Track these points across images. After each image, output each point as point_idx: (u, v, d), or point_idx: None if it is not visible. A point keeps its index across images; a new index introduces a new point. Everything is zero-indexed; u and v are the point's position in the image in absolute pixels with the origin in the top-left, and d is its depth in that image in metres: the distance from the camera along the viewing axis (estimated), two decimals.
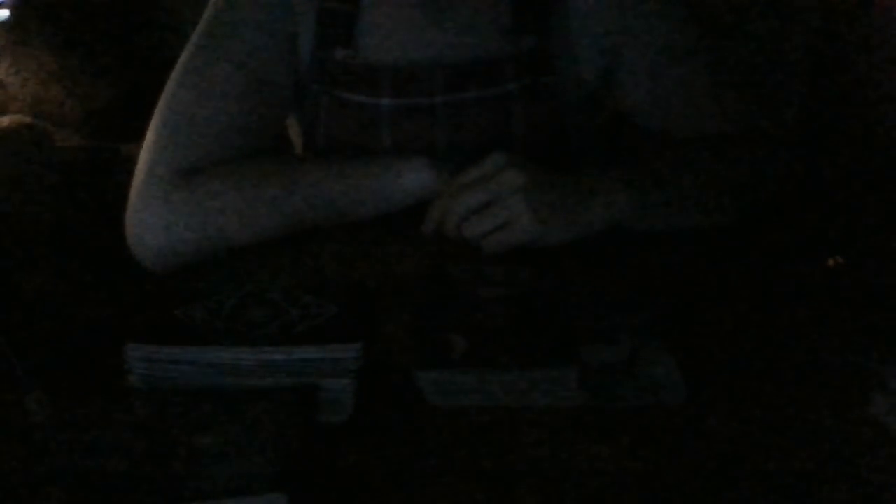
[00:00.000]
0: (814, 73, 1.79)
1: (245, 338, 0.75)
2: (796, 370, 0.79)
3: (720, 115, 1.11)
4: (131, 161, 1.01)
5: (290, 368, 0.74)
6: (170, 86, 1.02)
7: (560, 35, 1.09)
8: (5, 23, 1.86)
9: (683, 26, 1.11)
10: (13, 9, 1.86)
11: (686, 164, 1.04)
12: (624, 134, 1.17)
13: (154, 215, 0.97)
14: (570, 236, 0.94)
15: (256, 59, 1.03)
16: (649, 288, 0.91)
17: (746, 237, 1.02)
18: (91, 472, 0.64)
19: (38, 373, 0.75)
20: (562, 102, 1.09)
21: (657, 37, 1.09)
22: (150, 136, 1.01)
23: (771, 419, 0.73)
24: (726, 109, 1.12)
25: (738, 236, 1.02)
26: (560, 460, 0.69)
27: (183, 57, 1.04)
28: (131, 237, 0.98)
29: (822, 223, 1.08)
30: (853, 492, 0.66)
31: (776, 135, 1.13)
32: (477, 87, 1.06)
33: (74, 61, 1.86)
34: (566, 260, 0.94)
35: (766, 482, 0.67)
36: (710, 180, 1.04)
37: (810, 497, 0.66)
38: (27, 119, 1.73)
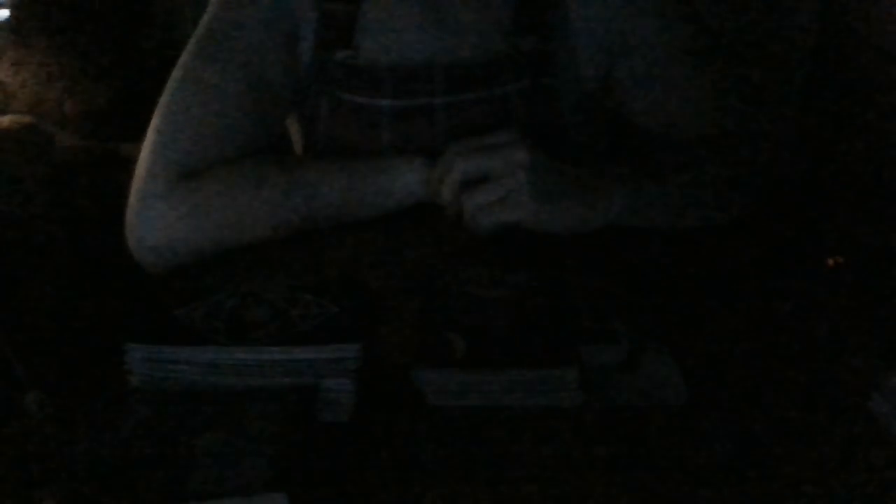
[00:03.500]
0: (814, 73, 1.79)
1: (245, 338, 0.75)
2: (796, 370, 0.79)
3: (719, 115, 1.11)
4: (131, 161, 1.01)
5: (290, 368, 0.74)
6: (170, 86, 1.02)
7: (560, 36, 1.09)
8: (5, 23, 1.86)
9: (683, 26, 1.11)
10: (13, 9, 1.86)
11: (685, 164, 1.04)
12: (624, 134, 1.17)
13: (154, 215, 0.97)
14: (566, 224, 0.94)
15: (257, 60, 1.03)
16: (649, 288, 0.91)
17: (746, 237, 1.02)
18: (91, 473, 0.64)
19: (38, 373, 0.75)
20: (562, 103, 1.09)
21: (656, 37, 1.09)
22: (150, 136, 1.01)
23: (771, 419, 0.73)
24: (725, 109, 1.12)
25: (737, 236, 1.02)
26: (560, 460, 0.69)
27: (183, 57, 1.04)
28: (131, 237, 0.98)
29: (822, 223, 1.08)
30: (853, 492, 0.66)
31: (775, 134, 1.14)
32: (477, 87, 1.06)
33: (74, 61, 1.86)
34: (566, 260, 0.94)
35: (766, 482, 0.67)
36: (709, 179, 1.04)
37: (811, 497, 0.66)
38: (27, 119, 1.73)
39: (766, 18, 1.80)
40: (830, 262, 0.97)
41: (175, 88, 1.02)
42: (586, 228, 0.95)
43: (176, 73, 1.03)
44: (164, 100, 1.02)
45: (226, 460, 0.65)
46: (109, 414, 0.70)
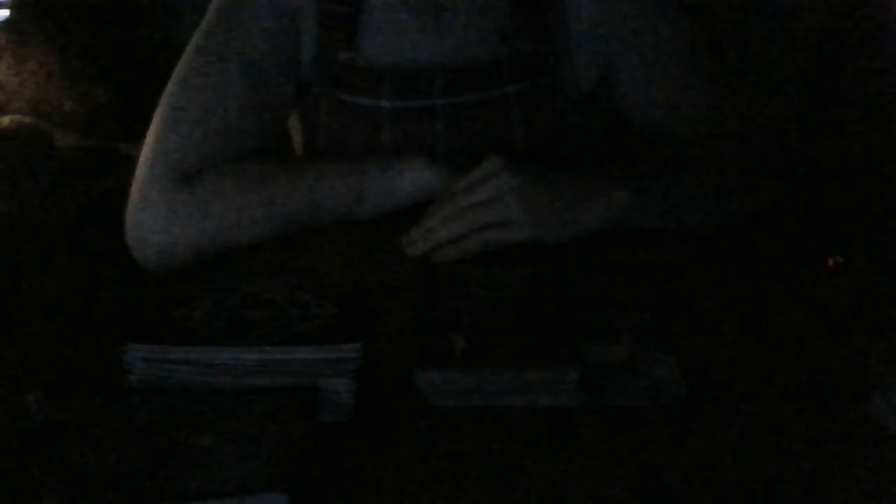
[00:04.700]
0: (814, 73, 1.79)
1: (245, 338, 0.75)
2: (796, 370, 0.79)
3: (719, 116, 1.11)
4: (131, 161, 1.01)
5: (290, 368, 0.74)
6: (170, 86, 1.02)
7: (558, 37, 1.09)
8: (5, 23, 1.86)
9: (681, 27, 1.11)
10: (13, 9, 1.86)
11: (685, 164, 1.04)
12: (624, 134, 1.17)
13: (154, 215, 0.97)
14: (567, 236, 0.94)
15: (258, 60, 1.03)
16: (649, 288, 0.91)
17: (746, 237, 1.02)
18: (91, 473, 0.64)
19: (38, 373, 0.75)
20: (561, 104, 1.09)
21: (655, 38, 1.09)
22: (150, 136, 1.01)
23: (771, 419, 0.73)
24: (725, 109, 1.12)
25: (738, 236, 1.02)
26: (560, 460, 0.69)
27: (184, 57, 1.04)
28: (131, 237, 0.98)
29: (822, 223, 1.08)
30: (853, 492, 0.66)
31: (775, 134, 1.14)
32: (476, 89, 1.06)
33: (74, 61, 1.86)
34: (566, 260, 0.94)
35: (766, 482, 0.67)
36: (709, 180, 1.04)
37: (811, 497, 0.66)
38: (27, 119, 1.73)
39: (766, 18, 1.80)
40: (830, 262, 0.97)
41: (175, 89, 1.02)
42: (589, 232, 0.95)
43: (176, 73, 1.03)
44: (164, 100, 1.02)
45: (226, 460, 0.65)
46: (109, 414, 0.70)
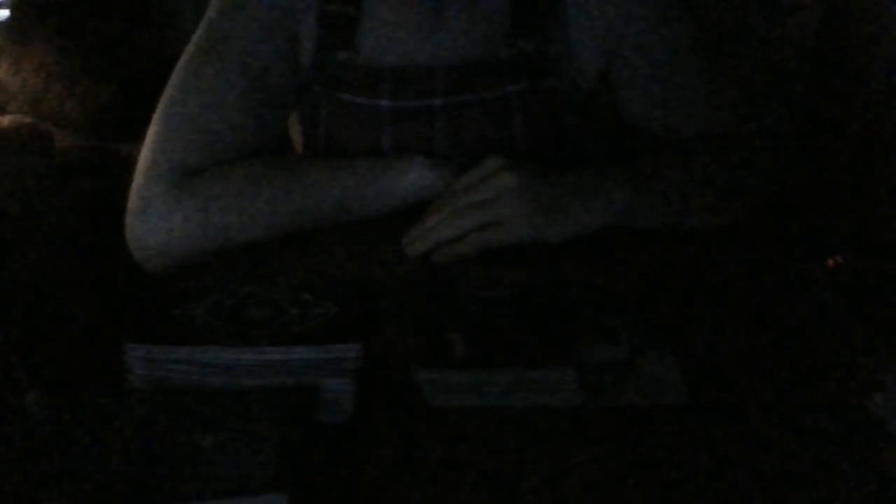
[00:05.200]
0: (814, 73, 1.79)
1: (245, 338, 0.75)
2: (796, 370, 0.79)
3: (719, 116, 1.11)
4: (131, 161, 1.01)
5: (290, 368, 0.74)
6: (170, 86, 1.02)
7: (559, 38, 1.09)
8: (5, 23, 1.87)
9: (682, 27, 1.11)
10: (13, 9, 1.86)
11: (685, 164, 1.04)
12: (624, 134, 1.17)
13: (154, 216, 0.97)
14: (567, 235, 0.94)
15: (257, 60, 1.03)
16: (649, 288, 0.91)
17: (746, 237, 1.02)
18: (91, 472, 0.64)
19: (38, 373, 0.75)
20: (561, 104, 1.09)
21: (656, 38, 1.09)
22: (150, 136, 1.01)
23: (771, 419, 0.73)
24: (725, 110, 1.12)
25: (737, 236, 1.02)
26: (560, 460, 0.69)
27: (183, 57, 1.04)
28: (131, 237, 0.98)
29: (823, 222, 1.08)
30: (853, 492, 0.66)
31: (775, 134, 1.13)
32: (476, 89, 1.06)
33: (74, 61, 1.86)
34: (566, 260, 0.94)
35: (766, 482, 0.67)
36: (709, 180, 1.04)
37: (811, 497, 0.66)
38: (27, 119, 1.73)
39: (766, 18, 1.80)
40: (830, 262, 0.97)
41: (175, 89, 1.02)
42: (589, 232, 0.95)
43: (176, 73, 1.03)
44: (164, 100, 1.02)
45: (226, 460, 0.65)
46: (109, 414, 0.70)
